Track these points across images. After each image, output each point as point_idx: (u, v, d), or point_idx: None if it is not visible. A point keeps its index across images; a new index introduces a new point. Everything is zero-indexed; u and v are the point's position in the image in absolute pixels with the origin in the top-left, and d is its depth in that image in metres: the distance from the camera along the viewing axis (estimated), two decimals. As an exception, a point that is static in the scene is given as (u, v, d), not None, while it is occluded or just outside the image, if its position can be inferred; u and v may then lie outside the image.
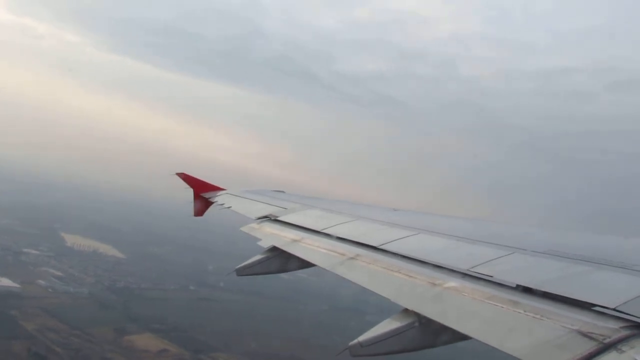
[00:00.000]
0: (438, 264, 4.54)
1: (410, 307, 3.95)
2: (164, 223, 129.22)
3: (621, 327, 2.84)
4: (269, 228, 7.57)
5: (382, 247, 5.35)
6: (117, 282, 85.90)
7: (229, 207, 10.13)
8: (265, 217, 8.12)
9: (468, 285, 3.99)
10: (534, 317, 3.26)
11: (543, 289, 3.53)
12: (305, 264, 6.23)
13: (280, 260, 6.64)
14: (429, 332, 3.82)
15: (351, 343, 3.89)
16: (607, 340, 2.74)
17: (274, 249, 6.70)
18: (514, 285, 3.75)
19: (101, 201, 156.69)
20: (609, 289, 3.41)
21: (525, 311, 3.36)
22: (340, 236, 6.12)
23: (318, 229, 6.64)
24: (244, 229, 7.94)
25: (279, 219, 7.82)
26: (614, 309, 3.02)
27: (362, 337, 3.89)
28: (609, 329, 2.86)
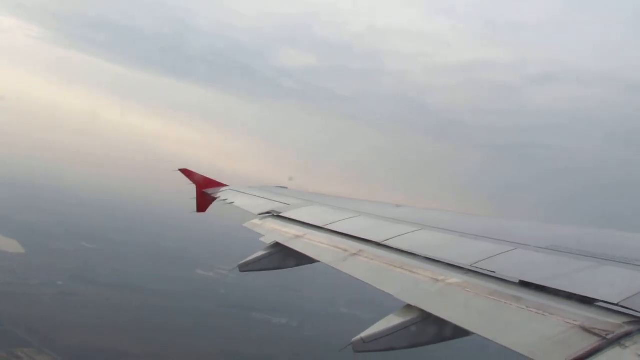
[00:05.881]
0: (441, 260, 4.54)
1: (412, 303, 3.95)
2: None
3: (624, 323, 2.84)
4: (272, 224, 7.59)
5: (385, 243, 5.35)
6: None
7: (231, 203, 10.18)
8: (268, 213, 8.15)
9: (471, 281, 4.00)
10: (536, 312, 3.26)
11: (546, 285, 3.53)
12: (307, 260, 6.24)
13: (283, 256, 6.66)
14: (431, 327, 3.82)
15: (354, 339, 3.89)
16: (610, 336, 2.74)
17: (276, 244, 6.72)
18: (517, 281, 3.75)
19: (48, 200, 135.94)
20: (612, 285, 3.41)
21: (527, 307, 3.36)
22: (343, 232, 6.12)
23: (321, 225, 6.65)
24: (247, 224, 7.97)
25: (281, 214, 7.83)
26: (617, 305, 3.02)
27: (365, 333, 3.90)
28: (612, 324, 2.86)
